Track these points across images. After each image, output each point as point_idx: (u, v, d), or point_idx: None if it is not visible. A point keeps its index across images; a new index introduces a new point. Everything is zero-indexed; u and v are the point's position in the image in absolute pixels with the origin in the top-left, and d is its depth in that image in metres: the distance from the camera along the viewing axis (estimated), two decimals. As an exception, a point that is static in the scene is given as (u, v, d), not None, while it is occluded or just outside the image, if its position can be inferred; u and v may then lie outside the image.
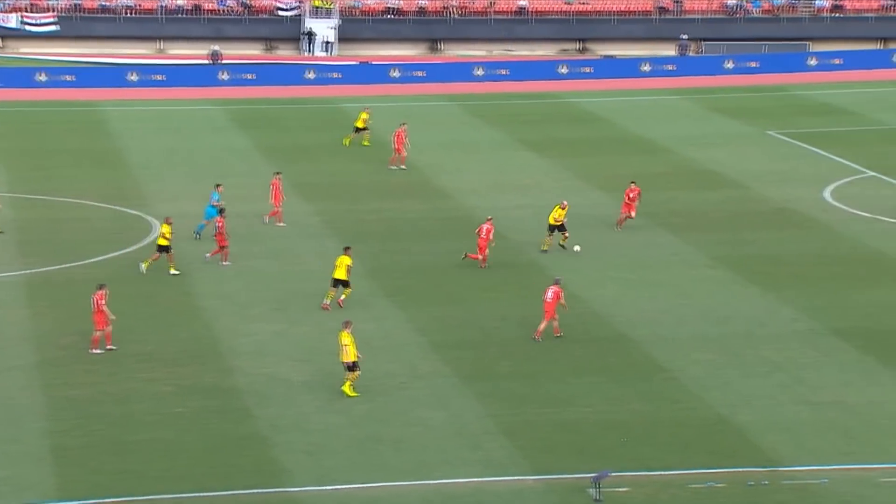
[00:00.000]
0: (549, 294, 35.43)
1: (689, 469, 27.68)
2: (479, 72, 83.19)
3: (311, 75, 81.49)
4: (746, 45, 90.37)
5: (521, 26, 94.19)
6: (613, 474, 26.96)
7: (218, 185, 46.46)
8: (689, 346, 35.09)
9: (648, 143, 63.40)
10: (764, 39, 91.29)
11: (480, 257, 42.20)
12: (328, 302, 38.19)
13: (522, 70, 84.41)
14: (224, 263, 42.28)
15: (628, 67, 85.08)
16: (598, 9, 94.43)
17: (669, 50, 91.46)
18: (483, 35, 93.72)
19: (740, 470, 27.61)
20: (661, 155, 60.40)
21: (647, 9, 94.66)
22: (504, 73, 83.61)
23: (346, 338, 31.75)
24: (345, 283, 38.18)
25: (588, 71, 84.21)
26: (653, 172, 56.53)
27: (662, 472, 27.59)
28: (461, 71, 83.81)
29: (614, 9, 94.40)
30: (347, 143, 61.71)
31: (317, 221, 48.26)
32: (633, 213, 45.79)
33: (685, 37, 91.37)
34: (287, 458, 28.49)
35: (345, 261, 38.11)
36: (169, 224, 41.48)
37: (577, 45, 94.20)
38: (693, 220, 47.34)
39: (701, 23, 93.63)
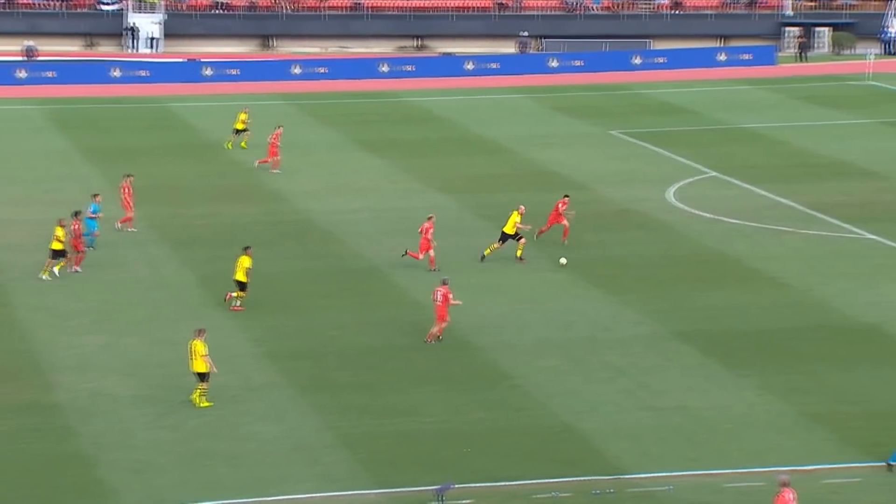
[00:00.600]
0: (439, 296, 35.65)
1: (533, 479, 28.02)
2: (297, 70, 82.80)
3: (118, 73, 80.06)
4: (585, 42, 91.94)
5: (356, 22, 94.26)
6: (457, 486, 27.16)
7: (95, 196, 45.58)
8: (532, 353, 35.53)
9: (489, 143, 64.01)
10: (604, 36, 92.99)
11: (421, 256, 42.03)
12: (238, 303, 38.11)
13: (342, 68, 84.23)
14: (75, 269, 41.56)
15: (453, 65, 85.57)
16: (435, 5, 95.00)
17: (509, 47, 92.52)
18: (317, 31, 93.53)
19: (585, 479, 28.05)
20: (502, 155, 61.05)
21: (486, 5, 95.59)
22: (322, 70, 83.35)
23: (199, 346, 31.45)
24: (241, 286, 38.17)
25: (410, 69, 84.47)
26: (494, 174, 57.13)
27: (506, 483, 27.88)
28: (277, 68, 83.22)
29: (452, 5, 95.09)
30: (230, 147, 60.83)
31: (142, 227, 47.53)
32: (566, 223, 44.83)
33: (525, 34, 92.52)
34: (113, 477, 28.02)
35: (244, 262, 38.04)
36: (62, 227, 40.86)
37: (415, 42, 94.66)
38: (535, 222, 47.83)
39: (540, 19, 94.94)
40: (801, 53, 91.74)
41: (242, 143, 60.48)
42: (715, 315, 38.67)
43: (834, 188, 54.47)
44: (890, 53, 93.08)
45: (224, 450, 29.40)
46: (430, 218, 42.68)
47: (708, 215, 50.10)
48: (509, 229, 43.24)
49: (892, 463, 28.40)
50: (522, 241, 43.36)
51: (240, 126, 61.04)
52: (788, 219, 49.56)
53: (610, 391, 32.92)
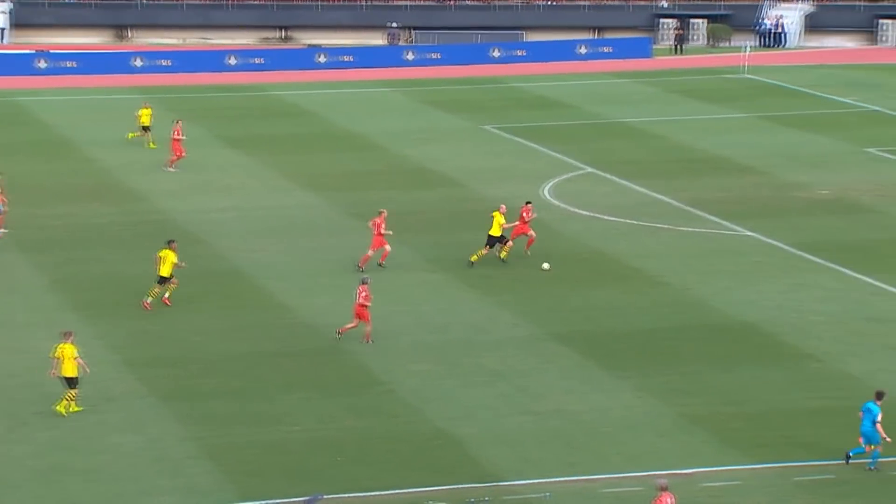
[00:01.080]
0: (361, 296, 35.58)
1: (407, 488, 28.02)
2: (138, 62, 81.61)
3: None
4: (456, 33, 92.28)
5: (217, 12, 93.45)
6: (326, 497, 27.05)
7: None
8: (406, 356, 35.53)
9: (359, 138, 63.91)
10: (478, 28, 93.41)
11: (370, 253, 41.73)
12: (150, 300, 38.07)
13: (187, 60, 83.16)
14: None
15: (304, 58, 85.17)
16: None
17: (378, 38, 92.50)
18: (176, 22, 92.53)
19: (461, 487, 28.12)
20: (373, 152, 60.99)
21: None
22: (166, 63, 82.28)
23: (69, 349, 30.89)
24: (166, 279, 38.32)
25: (260, 62, 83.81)
26: (364, 171, 57.05)
27: (379, 493, 27.84)
28: (117, 60, 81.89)
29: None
30: (153, 146, 59.47)
31: (-9, 228, 46.62)
32: (532, 233, 43.78)
33: (394, 24, 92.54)
34: (-39, 495, 27.44)
35: (169, 256, 38.09)
36: None
37: (280, 34, 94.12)
38: (408, 221, 47.88)
39: (410, 10, 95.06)
40: (678, 46, 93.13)
41: (150, 143, 59.34)
42: (593, 315, 39.05)
43: (712, 184, 55.39)
44: (766, 46, 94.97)
45: (80, 463, 28.94)
46: (381, 213, 42.28)
47: (585, 213, 50.58)
48: (495, 232, 42.85)
49: (850, 455, 28.91)
50: (509, 244, 42.99)
51: (146, 122, 59.71)
52: (667, 216, 50.25)
53: (487, 395, 33.05)
